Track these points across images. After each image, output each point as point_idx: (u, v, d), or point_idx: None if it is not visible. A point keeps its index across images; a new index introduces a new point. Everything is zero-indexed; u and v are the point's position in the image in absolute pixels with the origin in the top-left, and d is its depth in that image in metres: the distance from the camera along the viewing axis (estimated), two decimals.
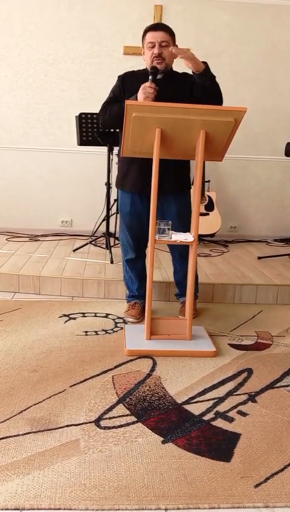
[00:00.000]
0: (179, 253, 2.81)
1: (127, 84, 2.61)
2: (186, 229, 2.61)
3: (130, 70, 2.72)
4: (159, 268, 3.45)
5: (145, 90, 2.40)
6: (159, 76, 2.50)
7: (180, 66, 2.56)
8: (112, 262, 3.63)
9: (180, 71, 2.65)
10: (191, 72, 2.49)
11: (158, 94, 2.42)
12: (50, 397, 1.95)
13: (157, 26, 2.56)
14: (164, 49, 2.49)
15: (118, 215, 2.90)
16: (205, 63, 2.46)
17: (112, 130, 3.75)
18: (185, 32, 4.50)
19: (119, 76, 2.69)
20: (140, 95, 2.41)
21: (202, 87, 2.46)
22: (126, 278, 2.94)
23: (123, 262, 2.93)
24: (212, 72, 2.49)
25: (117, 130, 3.72)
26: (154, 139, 2.31)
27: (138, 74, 2.63)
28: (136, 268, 2.87)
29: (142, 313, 2.82)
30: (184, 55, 2.38)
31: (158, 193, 2.39)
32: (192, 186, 2.71)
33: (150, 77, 2.45)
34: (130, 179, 2.66)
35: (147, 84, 2.41)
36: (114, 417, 1.84)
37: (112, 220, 4.09)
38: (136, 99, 2.42)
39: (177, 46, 2.56)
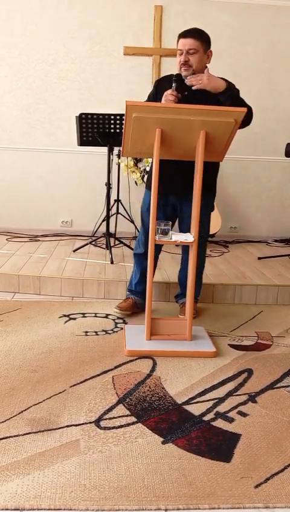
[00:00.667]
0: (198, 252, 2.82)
1: (160, 88, 2.61)
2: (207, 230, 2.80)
3: (166, 75, 2.71)
4: (159, 268, 3.44)
5: (167, 97, 2.44)
6: (188, 83, 2.48)
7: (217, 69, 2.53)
8: (112, 262, 3.63)
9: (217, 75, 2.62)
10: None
11: (186, 100, 2.43)
12: (50, 397, 1.95)
13: (187, 33, 2.53)
14: (191, 56, 2.49)
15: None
16: (226, 81, 2.47)
17: (112, 131, 3.76)
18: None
19: (155, 81, 2.73)
20: (162, 101, 2.46)
21: (225, 104, 2.46)
22: (132, 272, 3.00)
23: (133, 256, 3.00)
24: (234, 90, 2.50)
25: (117, 131, 3.74)
26: (155, 139, 2.31)
27: (170, 78, 2.60)
28: (142, 264, 2.85)
29: (132, 309, 2.88)
30: (198, 86, 2.42)
31: (180, 194, 2.56)
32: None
33: (173, 84, 2.47)
34: (161, 181, 2.64)
35: (169, 91, 2.45)
36: (114, 417, 1.84)
37: (112, 220, 4.09)
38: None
39: (209, 55, 2.57)
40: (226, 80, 2.48)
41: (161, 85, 2.63)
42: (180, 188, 2.64)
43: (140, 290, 2.87)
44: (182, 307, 2.89)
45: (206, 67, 2.57)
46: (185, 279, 2.83)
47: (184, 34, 2.54)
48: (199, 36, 2.53)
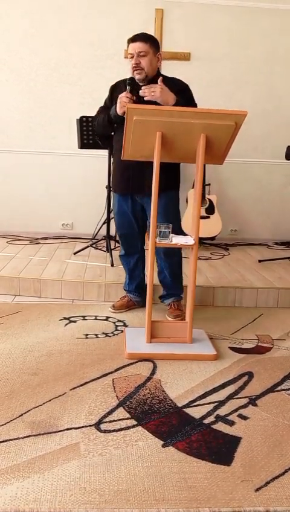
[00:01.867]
0: (164, 251, 2.83)
1: (116, 92, 2.68)
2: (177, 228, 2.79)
3: (120, 80, 2.78)
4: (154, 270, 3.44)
5: (121, 99, 2.49)
6: (142, 85, 2.54)
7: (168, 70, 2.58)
8: (112, 265, 3.63)
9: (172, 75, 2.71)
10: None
11: (140, 102, 2.46)
12: (50, 400, 1.95)
13: (136, 37, 2.60)
14: (142, 59, 2.56)
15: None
16: (179, 98, 2.48)
17: (112, 134, 3.76)
18: (185, 36, 4.53)
19: (111, 86, 2.79)
20: (117, 105, 2.53)
21: None
22: (125, 273, 3.09)
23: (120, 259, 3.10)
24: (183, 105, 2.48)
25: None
26: (155, 142, 2.31)
27: (125, 82, 2.65)
28: (127, 264, 3.01)
29: (126, 306, 3.02)
30: (150, 98, 2.44)
31: (140, 193, 2.65)
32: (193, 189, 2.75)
33: (127, 87, 2.53)
34: (116, 182, 2.86)
35: (123, 94, 2.51)
36: (114, 420, 1.83)
37: (113, 223, 4.09)
38: (114, 110, 2.57)
39: (159, 57, 2.63)
40: (178, 97, 2.49)
41: (117, 90, 2.70)
42: (145, 186, 2.59)
43: (132, 289, 3.02)
44: (170, 308, 2.92)
45: (159, 71, 2.67)
46: (166, 279, 2.95)
47: (133, 39, 2.61)
48: (148, 39, 2.60)
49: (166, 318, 2.88)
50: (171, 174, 2.69)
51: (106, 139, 3.75)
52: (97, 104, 4.76)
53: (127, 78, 2.65)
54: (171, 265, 2.89)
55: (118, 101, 2.52)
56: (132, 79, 2.58)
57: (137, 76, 2.58)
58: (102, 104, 2.87)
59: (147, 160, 2.42)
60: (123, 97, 2.48)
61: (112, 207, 4.00)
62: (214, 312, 3.11)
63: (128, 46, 2.62)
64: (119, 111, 2.53)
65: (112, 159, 3.86)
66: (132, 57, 2.58)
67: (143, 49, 2.55)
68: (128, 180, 2.71)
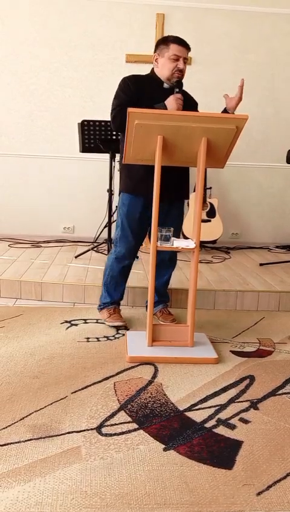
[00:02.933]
0: (170, 257, 2.83)
1: (141, 88, 2.60)
2: (178, 235, 2.77)
3: (135, 74, 2.70)
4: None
5: (178, 101, 2.49)
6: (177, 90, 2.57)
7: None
8: None
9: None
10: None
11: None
12: (51, 404, 1.95)
13: (183, 42, 2.59)
14: (184, 65, 2.58)
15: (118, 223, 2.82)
16: None
17: (114, 137, 3.77)
18: (186, 40, 4.54)
19: (129, 79, 2.64)
20: (173, 104, 2.48)
21: None
22: (109, 284, 2.83)
23: (111, 269, 2.81)
24: None
25: (119, 137, 3.75)
26: (156, 146, 2.32)
27: (148, 80, 2.64)
28: (128, 273, 2.86)
29: (120, 315, 2.86)
30: (241, 95, 2.57)
31: (166, 199, 2.48)
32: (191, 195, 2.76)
33: (177, 90, 2.54)
34: (135, 183, 2.65)
35: (179, 96, 2.51)
36: (116, 424, 1.83)
37: (114, 226, 4.09)
38: (164, 108, 2.49)
39: None
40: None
41: (139, 85, 2.61)
42: (169, 193, 2.60)
43: (122, 297, 2.90)
44: (163, 314, 2.89)
45: None
46: (160, 287, 2.88)
47: (181, 42, 2.58)
48: (190, 48, 2.62)
49: (160, 322, 2.83)
50: (187, 183, 2.77)
51: (108, 142, 3.77)
52: (98, 108, 4.78)
53: (144, 74, 2.67)
54: (170, 272, 2.90)
55: (175, 102, 2.48)
56: (180, 82, 2.58)
57: (176, 80, 2.58)
58: (103, 109, 2.84)
59: (183, 166, 2.45)
60: (179, 99, 2.50)
61: (113, 210, 4.01)
62: (216, 315, 3.11)
63: (169, 45, 2.56)
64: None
65: (113, 162, 3.88)
66: (177, 59, 2.55)
67: (187, 56, 2.60)
68: (145, 182, 2.55)
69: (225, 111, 2.60)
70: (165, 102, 2.50)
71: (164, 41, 2.60)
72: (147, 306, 2.94)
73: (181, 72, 2.57)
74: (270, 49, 4.64)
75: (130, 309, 3.11)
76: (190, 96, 2.74)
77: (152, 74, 2.67)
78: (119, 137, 3.67)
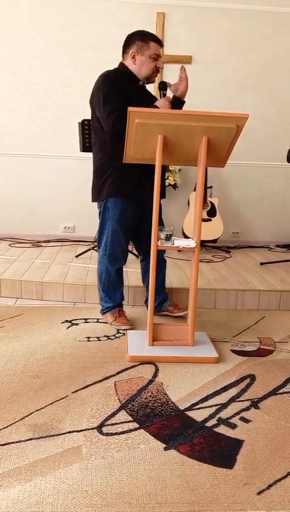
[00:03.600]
0: (161, 257, 2.83)
1: (121, 84, 2.57)
2: None
3: (114, 70, 2.67)
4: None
5: (169, 104, 2.53)
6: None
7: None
8: None
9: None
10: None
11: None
12: (52, 403, 1.95)
13: (161, 41, 2.64)
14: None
15: (102, 227, 2.77)
16: None
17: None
18: (187, 39, 4.55)
19: (112, 76, 2.58)
20: (167, 107, 2.51)
21: None
22: (107, 288, 2.80)
23: (106, 273, 2.77)
24: None
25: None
26: (157, 145, 2.32)
27: (123, 75, 2.62)
28: (122, 274, 2.85)
29: (127, 318, 2.83)
30: (186, 81, 2.58)
31: (150, 199, 2.42)
32: None
33: (163, 91, 2.60)
34: (130, 188, 2.61)
35: (168, 98, 2.56)
36: (116, 423, 1.83)
37: None
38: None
39: None
40: None
41: (120, 82, 2.57)
42: (149, 192, 2.52)
43: (123, 299, 2.90)
44: (175, 307, 2.94)
45: None
46: (160, 286, 2.87)
47: (160, 41, 2.63)
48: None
49: (167, 319, 2.86)
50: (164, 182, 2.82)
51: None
52: None
53: (113, 68, 2.69)
54: (164, 270, 2.92)
55: (166, 104, 2.51)
56: (164, 83, 2.62)
57: (155, 79, 2.65)
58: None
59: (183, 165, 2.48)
60: (168, 101, 2.54)
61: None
62: (216, 315, 3.11)
63: (149, 43, 2.57)
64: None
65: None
66: (157, 59, 2.58)
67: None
68: (141, 186, 2.59)
69: (176, 98, 2.61)
70: (157, 104, 2.52)
71: (143, 39, 2.57)
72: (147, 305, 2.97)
73: (158, 71, 2.64)
74: (272, 48, 4.63)
75: (131, 308, 3.10)
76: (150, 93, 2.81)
77: (125, 69, 2.63)
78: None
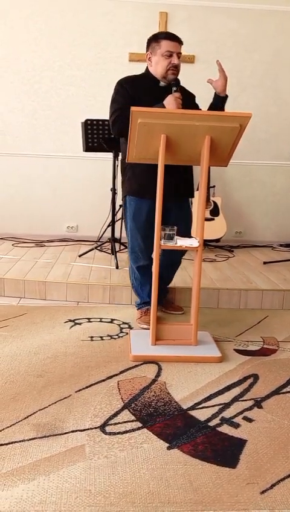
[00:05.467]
0: (173, 259, 2.84)
1: (137, 89, 2.58)
2: (189, 233, 2.76)
3: (128, 76, 2.70)
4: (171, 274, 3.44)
5: (177, 101, 2.45)
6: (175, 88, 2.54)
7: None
8: (117, 267, 3.63)
9: None
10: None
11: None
12: (55, 402, 1.95)
13: (175, 37, 2.56)
14: (178, 61, 2.55)
15: (125, 223, 2.84)
16: None
17: (117, 136, 3.77)
18: (189, 39, 4.53)
19: (125, 82, 2.63)
20: (173, 104, 2.43)
21: (215, 110, 2.56)
22: (135, 285, 2.90)
23: (132, 270, 2.87)
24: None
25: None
26: (160, 145, 2.32)
27: (143, 80, 2.63)
28: (149, 273, 2.77)
29: None
30: (224, 74, 2.50)
31: (175, 198, 2.49)
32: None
33: (174, 88, 2.51)
34: (151, 187, 2.55)
35: (177, 95, 2.48)
36: (119, 423, 1.83)
37: (118, 225, 4.10)
38: (162, 107, 2.45)
39: None
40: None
41: (134, 86, 2.58)
42: (173, 193, 2.59)
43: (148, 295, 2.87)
44: (171, 305, 3.00)
45: None
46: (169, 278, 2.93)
47: (171, 37, 2.55)
48: (182, 43, 2.58)
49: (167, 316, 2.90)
50: (192, 180, 2.78)
51: (111, 141, 3.77)
52: (101, 107, 4.76)
53: (139, 74, 2.66)
54: (173, 273, 2.95)
55: (174, 101, 2.44)
56: (177, 80, 2.55)
57: (172, 77, 2.55)
58: (107, 108, 2.75)
59: (186, 164, 2.49)
60: (178, 98, 2.46)
61: (116, 209, 4.02)
62: (219, 314, 3.11)
63: (160, 42, 2.54)
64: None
65: (116, 161, 3.88)
66: (170, 55, 2.52)
67: (181, 51, 2.55)
68: (155, 184, 2.52)
69: (216, 96, 2.58)
70: (164, 102, 2.47)
71: (155, 39, 2.57)
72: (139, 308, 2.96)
73: (176, 68, 2.54)
74: (275, 48, 4.62)
75: (134, 308, 3.10)
76: (187, 92, 2.71)
77: (147, 73, 2.64)
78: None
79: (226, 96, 2.59)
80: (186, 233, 2.68)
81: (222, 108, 2.59)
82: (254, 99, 4.64)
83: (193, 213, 2.94)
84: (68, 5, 4.44)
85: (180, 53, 2.57)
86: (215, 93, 2.58)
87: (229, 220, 4.54)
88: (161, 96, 2.49)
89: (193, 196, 2.85)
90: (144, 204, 2.65)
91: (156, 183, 2.39)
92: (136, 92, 2.58)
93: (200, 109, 2.71)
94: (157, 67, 2.57)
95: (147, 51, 2.63)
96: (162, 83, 2.60)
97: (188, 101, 2.61)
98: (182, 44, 2.58)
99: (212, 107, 2.60)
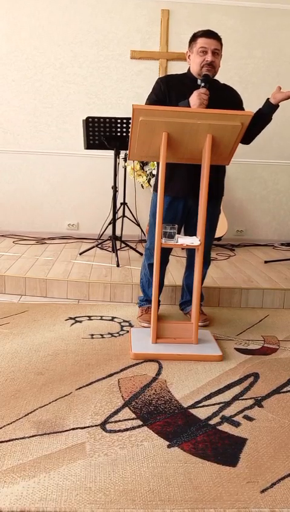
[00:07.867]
0: (204, 256, 2.79)
1: (172, 87, 2.56)
2: (212, 231, 2.77)
3: (169, 74, 2.72)
4: (165, 272, 3.44)
5: (201, 96, 2.41)
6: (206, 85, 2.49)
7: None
8: (118, 265, 3.63)
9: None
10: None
11: (209, 101, 2.43)
12: (56, 400, 1.95)
13: (211, 33, 2.52)
14: (215, 57, 2.51)
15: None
16: None
17: (118, 134, 3.77)
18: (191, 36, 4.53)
19: (161, 80, 2.62)
20: (195, 100, 2.40)
21: (263, 117, 2.59)
22: (143, 282, 2.88)
23: (143, 266, 2.88)
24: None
25: (124, 134, 3.74)
26: (161, 143, 2.31)
27: (181, 78, 2.61)
28: (160, 272, 2.75)
29: None
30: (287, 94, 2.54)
31: (196, 197, 2.47)
32: None
33: (202, 84, 2.47)
34: (176, 183, 2.58)
35: (202, 90, 2.42)
36: (120, 420, 1.83)
37: (118, 223, 4.10)
38: (187, 105, 2.41)
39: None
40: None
41: (172, 85, 2.57)
42: (194, 190, 2.55)
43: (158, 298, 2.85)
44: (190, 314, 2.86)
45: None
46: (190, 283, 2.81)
47: (207, 34, 2.51)
48: (220, 39, 2.54)
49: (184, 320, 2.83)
50: (223, 180, 2.76)
51: (112, 139, 3.76)
52: (103, 104, 4.76)
53: (180, 73, 2.64)
54: (204, 271, 2.84)
55: (197, 97, 2.40)
56: (207, 76, 2.49)
57: (207, 73, 2.50)
58: (108, 106, 2.80)
59: (189, 163, 2.46)
60: (203, 94, 2.41)
61: (117, 207, 4.01)
62: (220, 313, 3.10)
63: (196, 39, 2.51)
64: (199, 107, 2.40)
65: (117, 159, 3.87)
66: (205, 52, 2.48)
67: (218, 47, 2.51)
68: (190, 183, 2.55)
69: (268, 101, 2.58)
70: (189, 99, 2.43)
71: (193, 37, 2.56)
72: (182, 308, 2.96)
73: (211, 65, 2.49)
74: (277, 45, 4.61)
75: (135, 306, 3.10)
76: (233, 93, 2.65)
77: (188, 72, 2.62)
78: (124, 134, 3.66)
79: (273, 106, 2.60)
80: (209, 231, 2.63)
81: (270, 117, 2.63)
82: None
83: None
84: (70, 2, 4.43)
85: (218, 49, 2.51)
86: (268, 99, 2.57)
87: (230, 219, 4.54)
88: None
89: (218, 197, 2.78)
90: (165, 202, 2.59)
91: (176, 180, 2.37)
92: (171, 89, 2.55)
93: (242, 109, 2.63)
94: (193, 65, 2.54)
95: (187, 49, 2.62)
96: (199, 81, 2.53)
97: (222, 98, 2.53)
98: (220, 40, 2.52)
99: (261, 114, 2.59)
